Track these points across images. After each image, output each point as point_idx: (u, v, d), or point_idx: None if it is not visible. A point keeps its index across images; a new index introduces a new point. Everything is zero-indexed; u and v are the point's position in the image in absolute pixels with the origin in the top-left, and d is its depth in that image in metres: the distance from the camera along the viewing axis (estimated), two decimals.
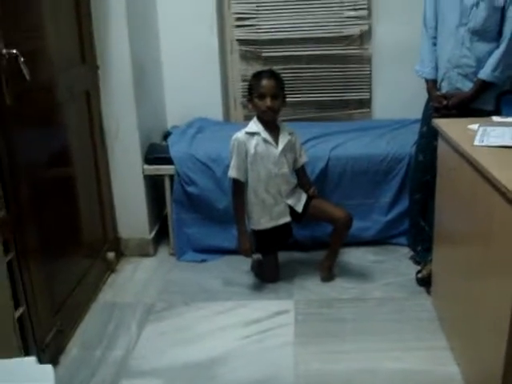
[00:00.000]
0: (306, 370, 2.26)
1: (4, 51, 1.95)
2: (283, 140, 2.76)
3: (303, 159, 2.89)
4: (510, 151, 1.96)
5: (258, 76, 2.72)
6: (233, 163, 2.72)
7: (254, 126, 2.73)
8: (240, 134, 2.72)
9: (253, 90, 2.71)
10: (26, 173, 2.22)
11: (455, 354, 2.30)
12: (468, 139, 2.12)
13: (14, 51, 1.98)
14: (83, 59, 2.83)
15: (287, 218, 2.84)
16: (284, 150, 2.76)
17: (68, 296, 2.60)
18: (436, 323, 2.52)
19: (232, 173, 2.73)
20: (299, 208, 2.84)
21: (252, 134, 2.72)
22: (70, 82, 2.66)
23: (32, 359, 1.50)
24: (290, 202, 2.83)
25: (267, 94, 2.65)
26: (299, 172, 2.91)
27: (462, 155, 2.07)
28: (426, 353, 2.34)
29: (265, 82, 2.66)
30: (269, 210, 2.80)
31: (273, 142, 2.74)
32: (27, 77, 2.05)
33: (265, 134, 2.72)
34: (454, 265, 2.37)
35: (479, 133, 2.15)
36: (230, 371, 2.28)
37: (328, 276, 2.91)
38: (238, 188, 2.77)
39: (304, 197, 2.86)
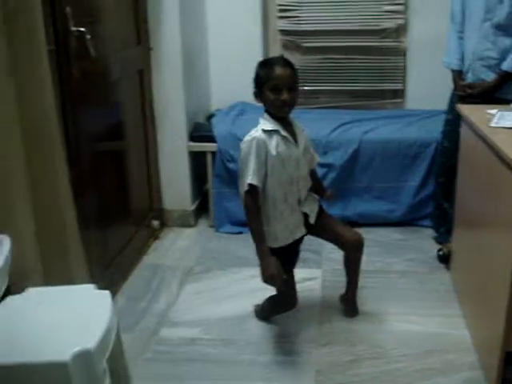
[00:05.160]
0: (329, 328, 2.49)
1: (73, 29, 2.23)
2: (301, 137, 2.31)
3: (317, 159, 2.50)
4: None
5: (268, 65, 2.19)
6: (252, 168, 2.14)
7: (268, 123, 2.21)
8: (258, 134, 2.18)
9: (263, 81, 2.17)
10: (87, 143, 2.50)
11: (467, 320, 2.50)
12: (486, 122, 2.32)
13: (82, 29, 2.26)
14: (138, 41, 3.11)
15: (303, 230, 2.37)
16: (304, 150, 2.33)
17: (118, 254, 2.89)
18: (452, 294, 2.72)
19: (252, 179, 2.14)
20: (312, 219, 2.38)
21: (270, 131, 2.20)
22: (125, 61, 2.95)
23: (91, 286, 1.77)
24: (306, 209, 2.36)
25: (283, 86, 2.14)
26: (313, 174, 2.49)
27: (479, 135, 2.27)
28: (441, 318, 2.55)
29: (279, 72, 2.14)
30: (286, 223, 2.29)
31: (292, 140, 2.26)
32: (92, 53, 2.33)
33: (284, 132, 2.22)
34: (470, 242, 2.58)
35: (497, 116, 2.34)
36: (258, 326, 2.53)
37: (353, 310, 2.59)
38: (256, 198, 2.20)
39: (317, 206, 2.43)
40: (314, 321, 2.55)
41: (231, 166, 3.40)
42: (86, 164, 2.50)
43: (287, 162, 2.23)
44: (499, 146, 2.03)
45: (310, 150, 2.43)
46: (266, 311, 2.57)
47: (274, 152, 2.18)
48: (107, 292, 1.72)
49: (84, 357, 1.41)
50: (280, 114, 2.21)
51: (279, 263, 2.18)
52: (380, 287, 2.80)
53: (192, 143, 3.47)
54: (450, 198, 3.10)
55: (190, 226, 3.55)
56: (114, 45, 2.79)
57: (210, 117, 3.81)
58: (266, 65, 2.21)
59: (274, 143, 2.19)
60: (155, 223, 3.37)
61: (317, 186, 2.51)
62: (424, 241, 3.28)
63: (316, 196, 2.47)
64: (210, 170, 3.50)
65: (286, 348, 2.37)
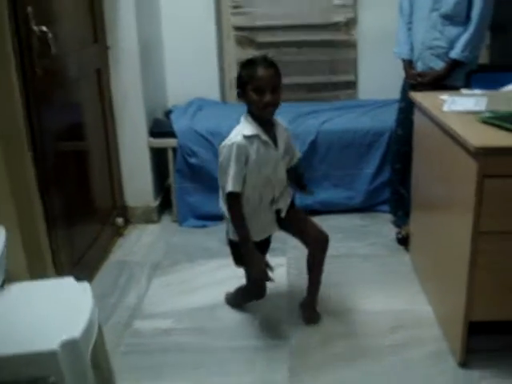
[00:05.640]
0: (298, 312, 2.56)
1: (35, 28, 2.24)
2: (282, 139, 2.29)
3: (298, 155, 2.48)
4: (471, 115, 2.27)
5: (252, 65, 2.15)
6: (232, 174, 2.15)
7: (250, 126, 2.19)
8: (238, 139, 2.16)
9: (246, 81, 2.14)
10: (50, 141, 2.50)
11: (428, 296, 2.63)
12: (438, 106, 2.44)
13: (44, 28, 2.27)
14: (95, 39, 3.12)
15: (276, 227, 2.41)
16: (284, 151, 2.32)
17: (84, 253, 2.89)
18: (413, 274, 2.85)
19: (231, 186, 2.16)
20: (284, 213, 2.38)
21: (250, 137, 2.17)
22: (83, 60, 2.95)
23: (70, 278, 1.80)
24: (281, 205, 2.37)
25: (266, 86, 2.11)
26: (292, 170, 2.46)
27: (433, 119, 2.39)
28: (404, 297, 2.67)
29: (263, 73, 2.11)
30: (260, 221, 2.31)
31: (272, 144, 2.24)
32: (54, 52, 2.34)
33: (264, 136, 2.20)
34: (427, 224, 2.71)
35: (448, 101, 2.47)
36: (228, 313, 2.60)
37: (313, 317, 2.53)
38: (237, 201, 2.21)
39: (289, 200, 2.42)
40: (283, 306, 2.63)
41: (192, 160, 3.44)
42: (49, 163, 2.50)
43: (265, 166, 2.22)
44: (453, 127, 2.14)
45: (292, 148, 2.41)
46: (238, 299, 2.62)
47: (254, 156, 2.17)
48: (87, 283, 1.75)
49: (71, 345, 1.45)
50: (264, 115, 2.19)
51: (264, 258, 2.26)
52: (345, 271, 2.90)
53: (152, 139, 3.49)
54: (405, 184, 3.22)
55: (153, 221, 3.58)
56: (72, 44, 2.79)
57: (167, 113, 3.84)
58: (248, 65, 2.17)
59: (254, 147, 2.18)
60: (119, 220, 3.39)
61: (298, 181, 2.49)
62: (383, 225, 3.40)
63: (291, 191, 2.44)
64: (172, 165, 3.53)
65: (258, 333, 2.44)
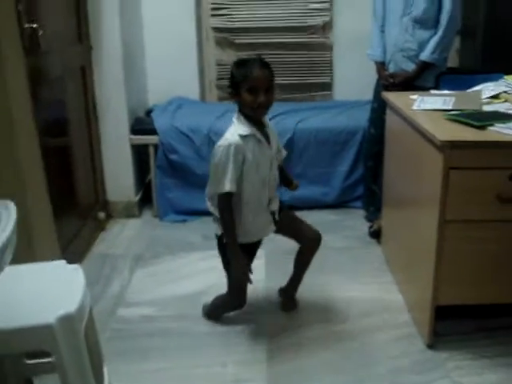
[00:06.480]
0: (277, 298, 2.69)
1: (27, 25, 2.33)
2: (273, 137, 2.33)
3: (284, 153, 2.50)
4: (439, 113, 2.42)
5: (245, 65, 2.16)
6: (230, 175, 2.16)
7: (243, 126, 2.20)
8: (235, 138, 2.17)
9: (240, 81, 2.14)
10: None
11: (399, 286, 2.78)
12: (409, 105, 2.59)
13: (35, 25, 2.37)
14: (80, 39, 3.22)
15: (273, 228, 2.42)
16: (276, 149, 2.36)
17: (67, 246, 2.97)
18: (384, 265, 3.00)
19: (229, 186, 2.16)
20: (277, 215, 2.42)
21: (246, 136, 2.19)
22: (68, 58, 3.04)
23: (62, 262, 1.90)
24: (274, 207, 2.39)
25: (260, 87, 2.12)
26: (281, 168, 2.50)
27: (403, 117, 2.54)
28: (376, 286, 2.82)
29: (257, 74, 2.12)
30: (258, 222, 2.34)
31: (266, 143, 2.26)
32: (43, 50, 2.43)
33: (259, 135, 2.23)
34: (397, 218, 2.87)
35: (418, 100, 2.62)
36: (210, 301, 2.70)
37: (291, 305, 2.65)
38: (230, 202, 2.23)
39: (278, 202, 2.44)
40: (261, 294, 2.75)
41: (173, 157, 3.55)
42: None
43: (261, 165, 2.24)
44: (421, 123, 2.29)
45: (279, 147, 2.44)
46: (216, 310, 2.58)
47: (250, 156, 2.19)
48: (78, 266, 1.85)
49: (67, 319, 1.55)
50: (257, 116, 2.21)
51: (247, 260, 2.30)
52: (320, 262, 2.98)
53: (134, 136, 3.60)
54: (377, 181, 3.38)
55: (134, 216, 3.68)
56: (57, 42, 2.88)
57: (148, 112, 3.94)
58: (243, 65, 2.17)
59: (250, 147, 2.19)
60: (101, 215, 3.48)
61: (285, 179, 2.54)
62: (356, 220, 3.56)
63: (277, 194, 2.44)
64: (152, 161, 3.64)
65: (238, 318, 2.55)
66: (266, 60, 2.21)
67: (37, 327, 1.52)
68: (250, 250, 2.39)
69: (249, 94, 2.14)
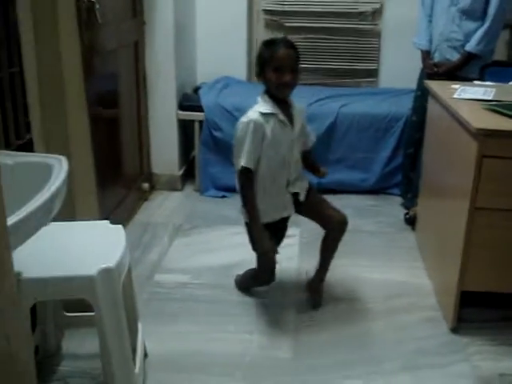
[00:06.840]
0: (307, 275, 2.78)
1: None
2: (298, 119, 2.33)
3: (313, 138, 2.50)
4: (478, 103, 2.45)
5: (272, 45, 2.21)
6: (246, 149, 2.19)
7: (266, 105, 2.24)
8: (255, 115, 2.21)
9: (267, 61, 2.19)
10: (87, 107, 2.71)
11: (428, 272, 2.83)
12: (449, 94, 2.63)
13: None
14: (134, 14, 3.34)
15: (291, 210, 2.42)
16: (299, 132, 2.35)
17: (111, 212, 3.12)
18: (416, 251, 3.05)
19: (245, 161, 2.20)
20: (302, 197, 2.41)
21: (267, 114, 2.23)
22: (122, 32, 3.17)
23: (106, 222, 2.03)
24: (297, 189, 2.39)
25: (286, 67, 2.17)
26: (307, 153, 2.50)
27: (443, 105, 2.58)
28: (407, 270, 2.88)
29: (283, 53, 2.16)
30: (273, 202, 2.35)
31: (288, 124, 2.28)
32: (99, 20, 2.56)
33: (282, 116, 2.25)
34: (431, 204, 2.91)
35: (459, 90, 2.66)
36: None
37: (319, 298, 2.58)
38: (250, 179, 2.25)
39: (307, 184, 2.44)
40: (293, 270, 2.85)
41: (217, 134, 3.66)
42: None
43: (280, 146, 2.26)
44: (458, 111, 2.33)
45: (306, 130, 2.44)
46: (246, 282, 2.66)
47: (270, 135, 2.21)
48: (121, 226, 1.98)
49: (107, 273, 1.67)
50: (281, 95, 2.24)
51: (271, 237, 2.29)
52: (352, 244, 3.06)
53: (181, 112, 3.72)
54: (415, 168, 3.41)
55: (177, 189, 3.81)
56: (113, 16, 3.00)
57: (196, 89, 4.05)
58: (269, 45, 2.22)
59: (270, 125, 2.21)
60: (145, 185, 3.62)
61: (312, 166, 2.53)
62: (393, 206, 3.61)
63: (305, 176, 2.46)
64: (197, 137, 3.76)
65: (268, 292, 2.65)
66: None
67: (80, 277, 1.65)
68: (275, 229, 2.39)
69: (274, 73, 2.17)
